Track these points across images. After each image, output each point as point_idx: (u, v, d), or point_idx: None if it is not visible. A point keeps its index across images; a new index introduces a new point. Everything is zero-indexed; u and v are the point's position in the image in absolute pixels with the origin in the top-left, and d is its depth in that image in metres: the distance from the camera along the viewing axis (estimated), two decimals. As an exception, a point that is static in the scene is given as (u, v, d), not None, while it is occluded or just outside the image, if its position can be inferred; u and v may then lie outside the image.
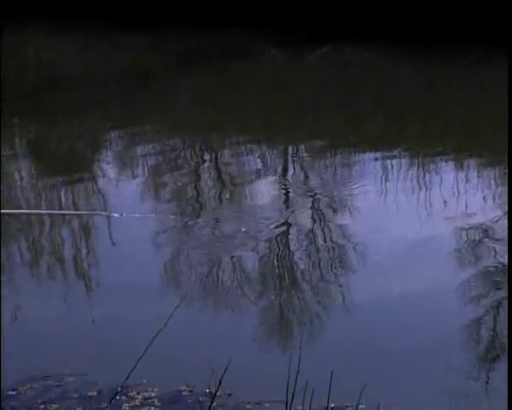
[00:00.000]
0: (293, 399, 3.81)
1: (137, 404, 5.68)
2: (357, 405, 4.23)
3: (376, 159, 11.53)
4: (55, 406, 5.67)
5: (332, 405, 4.12)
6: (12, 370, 6.08)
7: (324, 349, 6.40)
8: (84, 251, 8.85)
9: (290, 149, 12.65)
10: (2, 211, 6.30)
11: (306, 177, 11.30)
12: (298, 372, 3.78)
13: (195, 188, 10.99)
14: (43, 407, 5.65)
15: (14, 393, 5.83)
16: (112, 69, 17.98)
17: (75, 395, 5.81)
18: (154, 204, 10.35)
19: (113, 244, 8.96)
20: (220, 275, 8.07)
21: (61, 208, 10.41)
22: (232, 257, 8.39)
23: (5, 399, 5.77)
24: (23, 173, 12.06)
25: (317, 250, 8.53)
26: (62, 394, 5.83)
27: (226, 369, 3.93)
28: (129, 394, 5.80)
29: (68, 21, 21.81)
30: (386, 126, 13.44)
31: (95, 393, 5.84)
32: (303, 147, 12.63)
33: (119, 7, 22.00)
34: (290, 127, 13.69)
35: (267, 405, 5.54)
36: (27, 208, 10.55)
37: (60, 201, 10.76)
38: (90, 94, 15.73)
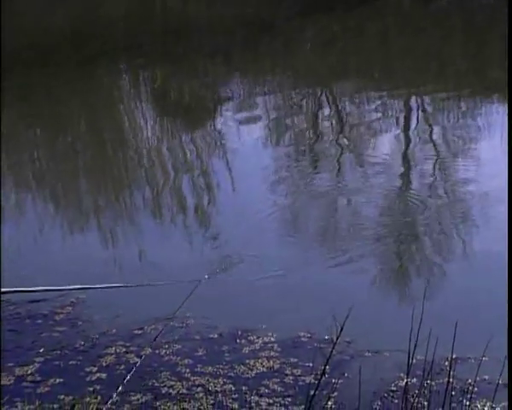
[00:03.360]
0: (415, 349, 3.77)
1: (257, 348, 5.75)
2: (482, 357, 4.15)
3: (503, 107, 11.18)
4: (177, 346, 5.81)
5: (454, 356, 4.04)
6: (137, 310, 6.27)
7: (446, 299, 6.30)
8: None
9: (413, 96, 12.40)
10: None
11: (429, 125, 11.07)
12: (421, 322, 3.74)
13: (315, 134, 10.95)
14: (166, 346, 5.81)
15: (139, 332, 6.01)
16: (236, 17, 18.01)
17: (197, 337, 5.94)
18: (273, 151, 10.38)
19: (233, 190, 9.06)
20: (339, 222, 8.06)
21: (183, 153, 10.57)
22: (350, 204, 8.36)
23: (131, 337, 5.96)
24: (147, 118, 12.30)
25: (438, 199, 8.37)
26: (185, 335, 5.97)
27: (347, 316, 3.91)
28: (249, 338, 5.88)
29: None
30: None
31: (216, 335, 5.95)
32: (426, 94, 12.36)
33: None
34: (413, 74, 13.41)
35: (386, 354, 5.50)
36: (150, 152, 10.75)
37: (181, 145, 10.92)
38: (214, 41, 15.82)
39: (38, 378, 5.50)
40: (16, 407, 5.03)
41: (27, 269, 7.06)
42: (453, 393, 4.46)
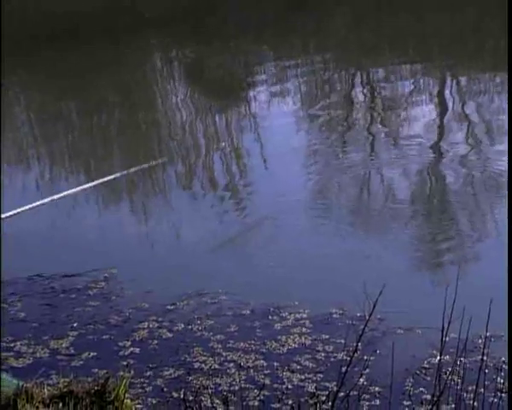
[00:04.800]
0: (449, 326, 3.75)
1: (289, 324, 5.76)
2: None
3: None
4: (210, 322, 5.83)
5: (487, 334, 4.01)
6: (170, 286, 6.31)
7: (480, 277, 6.26)
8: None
9: (447, 72, 12.29)
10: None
11: (461, 100, 10.98)
12: (455, 300, 3.72)
13: (348, 111, 10.90)
14: (199, 322, 5.83)
15: (172, 307, 6.05)
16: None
17: (229, 313, 5.96)
18: (306, 127, 10.36)
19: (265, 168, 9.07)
20: (373, 197, 8.04)
21: (215, 129, 10.58)
22: (383, 179, 8.33)
23: (165, 312, 6.01)
24: (179, 93, 12.31)
25: (472, 175, 8.30)
26: (217, 311, 5.99)
27: (380, 293, 3.91)
28: (281, 314, 5.89)
29: None
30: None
31: (248, 312, 5.96)
32: (461, 70, 12.24)
33: None
34: (448, 50, 13.29)
35: (418, 331, 5.49)
36: (182, 126, 10.76)
37: (214, 121, 10.93)
38: (245, 17, 15.78)
39: (73, 352, 5.56)
40: (51, 379, 5.09)
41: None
42: (487, 371, 4.44)
